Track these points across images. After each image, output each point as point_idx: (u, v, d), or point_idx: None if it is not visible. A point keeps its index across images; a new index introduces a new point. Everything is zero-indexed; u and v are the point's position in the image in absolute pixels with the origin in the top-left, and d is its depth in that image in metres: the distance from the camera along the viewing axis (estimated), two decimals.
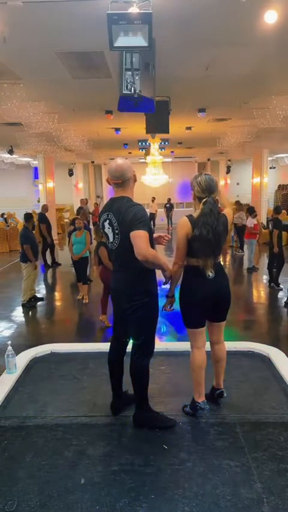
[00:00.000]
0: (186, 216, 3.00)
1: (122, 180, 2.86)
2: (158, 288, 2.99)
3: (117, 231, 2.80)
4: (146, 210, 3.04)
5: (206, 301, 3.02)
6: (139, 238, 2.68)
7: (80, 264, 7.34)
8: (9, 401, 3.45)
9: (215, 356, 3.25)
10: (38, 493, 2.39)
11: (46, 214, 11.64)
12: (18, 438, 2.94)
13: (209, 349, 3.25)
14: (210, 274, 2.96)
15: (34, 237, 7.44)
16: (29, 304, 7.18)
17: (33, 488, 2.43)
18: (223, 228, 2.96)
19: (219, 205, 3.07)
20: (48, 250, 11.37)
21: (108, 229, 2.88)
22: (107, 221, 2.87)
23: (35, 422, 3.15)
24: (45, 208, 11.89)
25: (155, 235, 3.12)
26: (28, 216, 7.50)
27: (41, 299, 7.61)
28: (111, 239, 2.88)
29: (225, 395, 3.26)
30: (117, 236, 2.81)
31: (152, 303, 2.91)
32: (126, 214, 2.74)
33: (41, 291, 8.76)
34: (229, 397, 3.31)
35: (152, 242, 2.90)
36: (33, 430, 3.04)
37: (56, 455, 2.73)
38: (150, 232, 2.84)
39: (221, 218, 2.97)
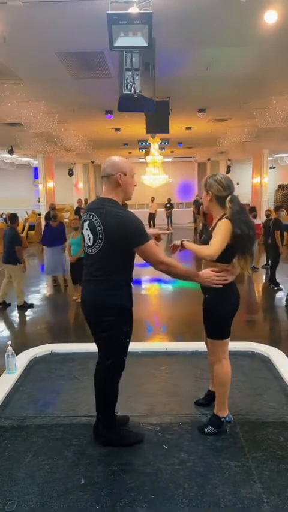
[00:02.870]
0: (227, 218, 2.75)
1: (104, 174, 2.65)
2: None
3: (101, 236, 2.53)
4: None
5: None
6: (150, 249, 2.54)
7: (77, 265, 7.32)
8: (9, 401, 3.45)
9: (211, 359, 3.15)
10: (38, 493, 2.39)
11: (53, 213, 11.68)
12: (18, 438, 2.94)
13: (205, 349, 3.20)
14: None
15: (21, 238, 7.35)
16: (26, 305, 7.13)
17: (33, 488, 2.43)
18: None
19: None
20: None
21: (86, 231, 2.62)
22: (87, 222, 2.61)
23: (35, 422, 3.14)
24: (51, 206, 12.02)
25: (154, 231, 2.97)
26: (13, 217, 7.35)
27: (9, 304, 7.26)
28: (89, 243, 2.60)
29: None
30: (99, 241, 2.54)
31: (123, 321, 2.64)
32: (115, 221, 2.52)
33: (42, 290, 8.77)
34: (229, 397, 3.30)
35: (133, 259, 2.73)
36: (33, 430, 3.03)
37: (56, 455, 2.72)
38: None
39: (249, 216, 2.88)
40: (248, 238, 2.71)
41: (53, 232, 8.26)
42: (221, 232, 2.71)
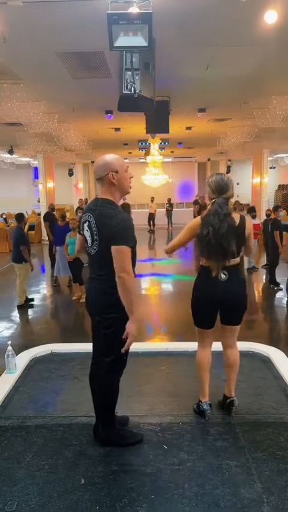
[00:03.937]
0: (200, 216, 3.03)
1: (97, 176, 2.63)
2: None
3: (96, 237, 2.55)
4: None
5: (214, 303, 2.98)
6: (124, 254, 2.47)
7: (75, 265, 7.31)
8: (9, 401, 3.45)
9: (225, 360, 3.18)
10: (38, 493, 2.39)
11: (54, 213, 11.61)
12: (18, 438, 2.94)
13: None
14: (223, 276, 2.89)
15: (27, 237, 7.40)
16: (26, 304, 7.14)
17: (33, 488, 2.43)
18: (229, 230, 2.80)
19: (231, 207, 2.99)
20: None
21: (86, 232, 2.63)
22: (87, 223, 2.61)
23: (35, 422, 3.15)
24: (51, 206, 11.96)
25: None
26: (20, 216, 7.44)
27: (32, 299, 7.40)
28: (89, 243, 2.62)
29: (236, 404, 3.12)
30: (96, 242, 2.56)
31: (126, 318, 2.60)
32: (107, 221, 2.49)
33: (42, 290, 8.76)
34: None
35: (135, 258, 2.63)
36: (33, 430, 3.04)
37: (56, 455, 2.73)
38: (135, 243, 2.61)
39: (228, 220, 2.82)
40: (202, 240, 2.85)
41: (62, 231, 8.28)
42: (182, 231, 3.03)
